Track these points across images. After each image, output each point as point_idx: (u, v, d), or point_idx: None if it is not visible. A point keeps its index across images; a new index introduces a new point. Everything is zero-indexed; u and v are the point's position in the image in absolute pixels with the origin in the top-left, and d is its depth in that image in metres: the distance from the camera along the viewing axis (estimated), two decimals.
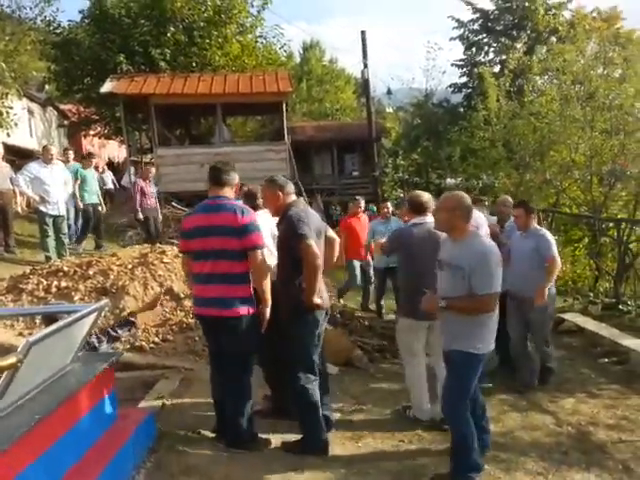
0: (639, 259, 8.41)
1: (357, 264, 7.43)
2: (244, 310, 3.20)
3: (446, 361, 3.18)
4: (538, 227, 4.71)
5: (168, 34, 14.80)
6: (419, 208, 3.85)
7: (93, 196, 8.98)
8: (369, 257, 7.32)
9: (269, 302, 3.27)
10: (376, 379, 4.81)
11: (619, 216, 9.27)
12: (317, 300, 3.29)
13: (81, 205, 8.72)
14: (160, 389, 4.11)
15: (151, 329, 5.03)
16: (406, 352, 3.91)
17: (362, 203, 7.98)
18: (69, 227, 8.65)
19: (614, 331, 5.56)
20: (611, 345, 5.39)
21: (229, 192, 3.33)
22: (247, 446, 3.32)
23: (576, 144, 10.56)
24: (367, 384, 4.66)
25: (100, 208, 9.02)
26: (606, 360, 5.29)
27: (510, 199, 5.42)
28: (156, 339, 4.91)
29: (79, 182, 8.58)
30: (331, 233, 3.69)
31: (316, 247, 3.24)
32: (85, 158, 8.93)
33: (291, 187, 3.51)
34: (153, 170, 9.14)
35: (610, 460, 3.40)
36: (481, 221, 4.57)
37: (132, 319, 4.15)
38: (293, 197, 3.50)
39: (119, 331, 3.96)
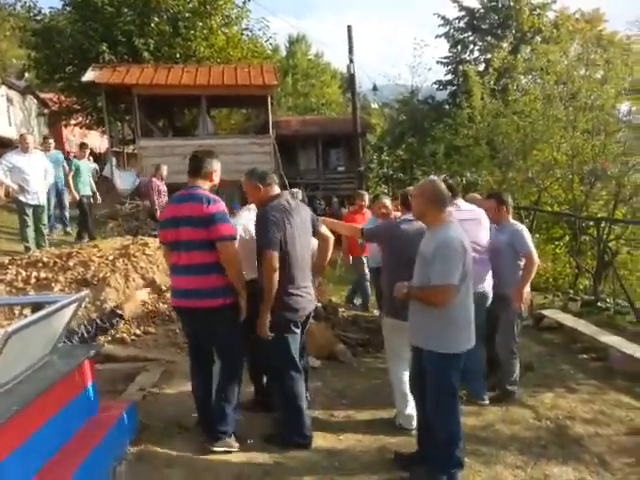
0: (618, 257, 8.59)
1: (365, 260, 6.86)
2: (219, 301, 3.14)
3: (426, 360, 3.04)
4: (513, 221, 4.43)
5: (152, 24, 14.64)
6: (407, 204, 3.67)
7: (86, 187, 8.91)
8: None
9: (243, 293, 3.20)
10: (359, 373, 4.82)
11: (599, 215, 9.41)
12: (264, 330, 3.18)
13: (77, 196, 8.62)
14: (141, 381, 4.07)
15: (132, 321, 4.97)
16: (390, 352, 3.77)
17: (366, 197, 7.42)
18: (49, 217, 8.52)
19: (593, 328, 5.65)
20: (590, 341, 5.47)
21: (203, 181, 3.28)
22: (228, 442, 3.27)
23: (558, 143, 10.70)
24: (350, 378, 4.67)
25: (92, 200, 8.89)
26: (585, 356, 5.38)
27: (478, 195, 5.23)
28: (137, 331, 4.86)
29: (72, 173, 8.53)
30: (324, 230, 3.62)
31: (275, 258, 3.12)
32: (81, 148, 8.84)
33: (272, 178, 3.41)
34: (165, 168, 9.00)
35: (587, 453, 3.47)
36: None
37: (119, 311, 4.10)
38: (275, 189, 3.39)
39: (106, 322, 3.91)
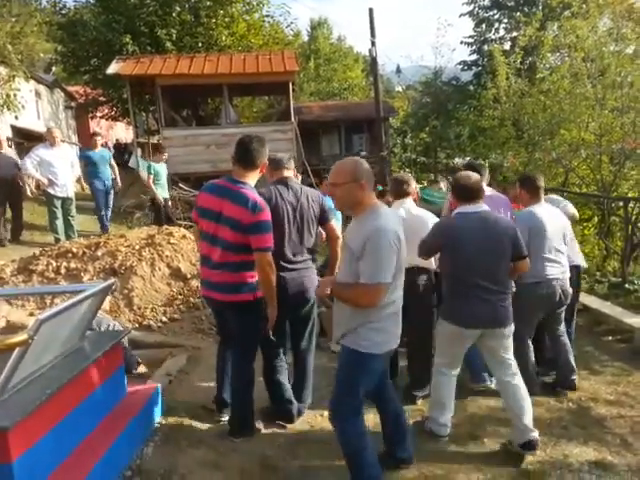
0: None
1: None
2: (249, 296, 3.12)
3: (340, 354, 2.73)
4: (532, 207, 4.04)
5: (174, 14, 14.74)
6: (467, 194, 3.23)
7: (165, 191, 8.96)
8: None
9: (273, 302, 3.11)
10: None
11: (629, 195, 9.18)
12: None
13: (162, 200, 8.72)
14: (168, 366, 4.20)
15: (159, 308, 5.11)
16: (441, 356, 3.39)
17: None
18: (101, 218, 8.58)
19: (618, 309, 5.57)
20: (615, 323, 5.40)
21: (252, 176, 3.15)
22: (246, 433, 3.31)
23: (586, 122, 10.44)
24: None
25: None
26: (610, 338, 5.32)
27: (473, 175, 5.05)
28: (164, 318, 5.00)
29: (152, 178, 8.53)
30: (333, 224, 3.57)
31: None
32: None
33: (282, 164, 3.42)
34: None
35: (609, 434, 3.46)
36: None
37: (138, 359, 4.19)
38: (284, 172, 3.43)
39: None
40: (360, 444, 2.64)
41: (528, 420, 3.15)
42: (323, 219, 3.52)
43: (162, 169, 8.87)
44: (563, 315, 4.06)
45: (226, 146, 10.56)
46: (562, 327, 4.09)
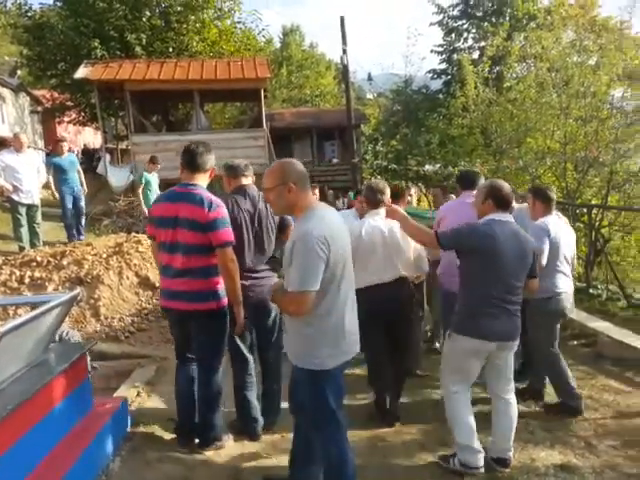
0: (611, 244, 8.64)
1: None
2: (214, 304, 3.08)
3: (297, 377, 2.57)
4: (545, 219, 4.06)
5: (144, 19, 14.61)
6: (504, 202, 3.09)
7: None
8: None
9: (238, 300, 3.08)
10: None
11: (593, 202, 9.44)
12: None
13: (146, 211, 8.31)
14: (135, 378, 4.13)
15: (126, 318, 5.03)
16: (453, 374, 3.15)
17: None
18: (68, 227, 8.25)
19: (583, 314, 5.71)
20: (580, 328, 5.53)
21: (202, 178, 3.13)
22: (219, 445, 3.27)
23: (552, 131, 10.72)
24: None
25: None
26: (575, 342, 5.44)
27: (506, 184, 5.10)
28: (131, 328, 4.92)
29: (142, 187, 8.39)
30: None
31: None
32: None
33: (239, 171, 3.38)
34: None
35: (574, 437, 3.53)
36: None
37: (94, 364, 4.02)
38: (242, 180, 3.38)
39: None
40: (341, 458, 2.54)
41: (510, 440, 3.14)
42: (283, 225, 3.45)
43: (154, 179, 8.77)
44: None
45: None
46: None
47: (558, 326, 3.98)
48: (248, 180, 3.45)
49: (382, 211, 3.69)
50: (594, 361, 4.90)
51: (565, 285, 3.86)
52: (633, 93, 10.80)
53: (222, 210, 3.02)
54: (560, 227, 3.91)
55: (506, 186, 3.14)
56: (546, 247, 3.69)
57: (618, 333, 5.02)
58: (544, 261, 3.69)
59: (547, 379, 4.10)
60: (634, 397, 4.14)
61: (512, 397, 3.18)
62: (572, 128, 10.32)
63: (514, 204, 3.87)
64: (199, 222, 2.96)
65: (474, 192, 3.75)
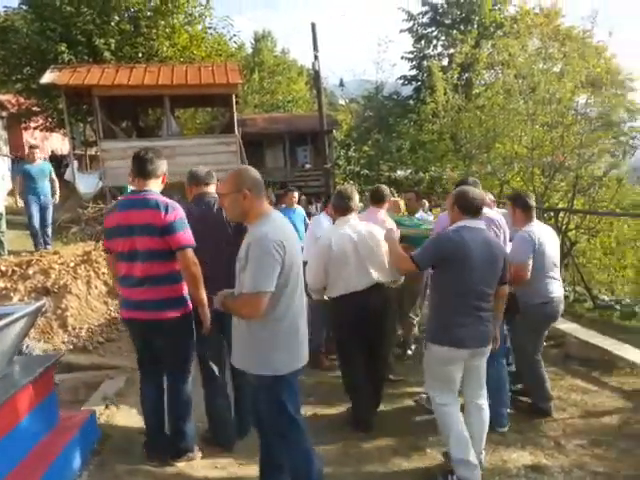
0: (577, 246, 8.85)
1: None
2: (179, 311, 3.02)
3: (252, 386, 2.58)
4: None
5: (112, 23, 14.39)
6: (473, 208, 3.05)
7: None
8: None
9: (203, 303, 2.99)
10: (327, 370, 4.83)
11: (559, 205, 9.67)
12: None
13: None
14: (104, 390, 4.04)
15: (95, 328, 4.92)
16: (435, 384, 3.13)
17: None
18: (35, 236, 7.94)
19: None
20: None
21: (154, 185, 3.06)
22: (190, 456, 3.21)
23: (519, 137, 10.95)
24: (318, 377, 4.69)
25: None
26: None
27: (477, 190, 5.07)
28: (100, 339, 4.82)
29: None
30: None
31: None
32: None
33: (199, 178, 3.29)
34: None
35: (544, 438, 3.59)
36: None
37: None
38: (203, 189, 3.30)
39: None
40: (307, 462, 2.55)
41: (482, 443, 3.16)
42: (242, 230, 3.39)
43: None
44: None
45: (168, 158, 10.29)
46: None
47: (546, 332, 4.08)
48: (210, 188, 3.35)
49: (352, 217, 3.66)
50: (562, 362, 5.01)
51: (557, 289, 3.93)
52: (595, 100, 11.14)
53: (179, 212, 2.97)
54: (544, 233, 3.93)
55: (471, 192, 3.08)
56: (530, 260, 3.71)
57: (585, 334, 5.14)
58: (528, 274, 3.69)
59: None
60: (600, 396, 4.24)
61: (484, 402, 3.19)
62: (539, 134, 10.57)
63: (496, 209, 3.92)
64: (156, 226, 2.89)
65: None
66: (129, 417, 3.72)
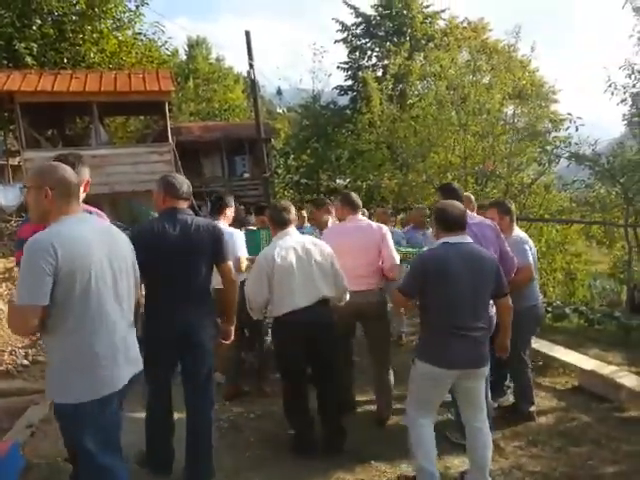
0: None
1: None
2: None
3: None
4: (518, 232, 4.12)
5: (34, 27, 13.66)
6: (452, 225, 2.97)
7: None
8: None
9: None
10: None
11: None
12: None
13: None
14: (29, 416, 3.75)
15: (19, 351, 4.58)
16: (417, 403, 3.05)
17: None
18: None
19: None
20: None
21: None
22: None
23: (452, 146, 11.34)
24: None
25: None
26: None
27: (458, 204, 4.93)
28: (25, 361, 4.48)
29: None
30: (229, 265, 3.13)
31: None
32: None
33: (178, 191, 2.99)
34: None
35: None
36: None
37: None
38: (177, 203, 3.01)
39: None
40: None
41: (487, 470, 3.03)
42: (219, 258, 3.07)
43: None
44: None
45: (97, 168, 9.89)
46: None
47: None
48: (183, 204, 3.06)
49: (291, 230, 3.55)
50: None
51: (539, 292, 4.15)
52: (522, 111, 11.73)
53: (22, 228, 2.75)
54: (528, 238, 4.10)
55: (450, 208, 2.99)
56: (532, 261, 3.88)
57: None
58: (535, 273, 3.92)
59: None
60: (539, 398, 4.33)
61: (486, 427, 3.06)
62: (470, 143, 11.00)
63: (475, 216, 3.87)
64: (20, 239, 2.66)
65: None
66: (56, 445, 3.44)
